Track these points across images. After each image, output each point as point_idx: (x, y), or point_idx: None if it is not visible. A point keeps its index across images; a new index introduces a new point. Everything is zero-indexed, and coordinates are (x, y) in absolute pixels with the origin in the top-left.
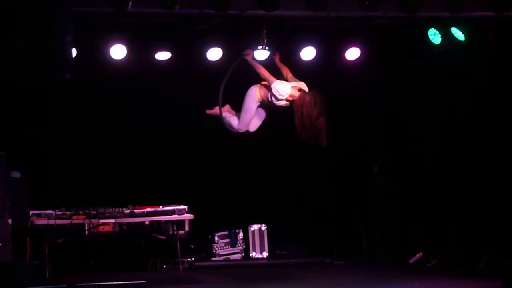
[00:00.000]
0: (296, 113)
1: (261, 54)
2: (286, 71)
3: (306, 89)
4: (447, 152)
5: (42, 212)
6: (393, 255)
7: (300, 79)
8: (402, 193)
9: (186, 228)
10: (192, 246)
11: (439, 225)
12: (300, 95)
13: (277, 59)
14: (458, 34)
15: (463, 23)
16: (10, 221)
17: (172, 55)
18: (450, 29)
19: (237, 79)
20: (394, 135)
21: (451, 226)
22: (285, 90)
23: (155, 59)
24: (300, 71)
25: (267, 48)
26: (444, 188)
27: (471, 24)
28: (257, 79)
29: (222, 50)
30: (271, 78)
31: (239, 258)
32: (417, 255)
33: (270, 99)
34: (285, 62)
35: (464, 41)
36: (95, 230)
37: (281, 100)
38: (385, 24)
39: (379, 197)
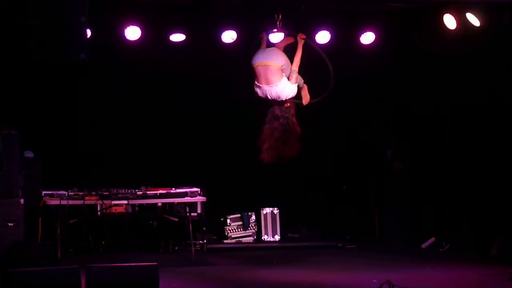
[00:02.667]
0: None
1: (276, 37)
2: (297, 59)
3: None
4: (461, 136)
5: (54, 192)
6: (405, 240)
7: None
8: (415, 177)
9: (199, 210)
10: (204, 228)
11: (452, 210)
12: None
13: (300, 41)
14: (473, 19)
15: (479, 8)
16: (22, 201)
17: (186, 37)
18: (465, 14)
19: None
20: (408, 119)
21: (464, 212)
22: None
23: (169, 40)
24: (315, 55)
25: (278, 30)
26: (458, 173)
27: (486, 9)
28: None
29: (237, 32)
30: None
31: (251, 241)
32: (430, 240)
33: None
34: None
35: (479, 26)
36: (108, 211)
37: None
38: (401, 8)
39: (393, 182)
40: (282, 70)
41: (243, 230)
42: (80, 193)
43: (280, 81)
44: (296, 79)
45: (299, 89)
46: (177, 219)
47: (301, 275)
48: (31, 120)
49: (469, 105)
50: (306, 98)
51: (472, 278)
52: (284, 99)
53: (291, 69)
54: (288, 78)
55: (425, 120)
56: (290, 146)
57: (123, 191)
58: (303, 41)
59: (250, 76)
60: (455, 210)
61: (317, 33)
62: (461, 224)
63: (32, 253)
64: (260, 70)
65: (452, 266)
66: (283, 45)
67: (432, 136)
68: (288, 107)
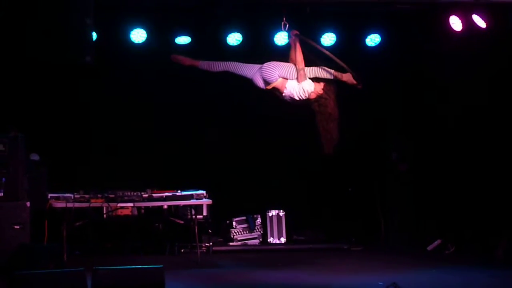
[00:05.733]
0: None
1: (282, 38)
2: (298, 57)
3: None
4: (465, 137)
5: (60, 195)
6: (411, 242)
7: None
8: (420, 179)
9: (204, 213)
10: (210, 230)
11: (458, 212)
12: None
13: (295, 39)
14: (479, 21)
15: (484, 9)
16: (28, 203)
17: (192, 40)
18: (471, 16)
19: None
20: (413, 121)
21: (470, 214)
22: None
23: (175, 43)
24: (321, 56)
25: (287, 31)
26: (463, 174)
27: (493, 11)
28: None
29: (242, 34)
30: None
31: (257, 243)
32: (436, 242)
33: None
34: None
35: (485, 28)
36: (113, 214)
37: None
38: (406, 9)
39: (398, 184)
40: (286, 78)
41: (249, 233)
42: (86, 195)
43: (286, 88)
44: (303, 76)
45: (338, 80)
46: (182, 222)
47: (306, 278)
48: (37, 123)
49: (475, 107)
50: (353, 83)
51: (478, 280)
52: (307, 95)
53: (297, 69)
54: (297, 79)
55: (430, 122)
56: (334, 136)
57: (129, 193)
58: (297, 37)
59: (251, 82)
60: (461, 211)
61: (322, 35)
62: (467, 225)
63: (38, 256)
64: (269, 91)
65: (458, 268)
66: (294, 50)
67: (437, 137)
68: (322, 96)
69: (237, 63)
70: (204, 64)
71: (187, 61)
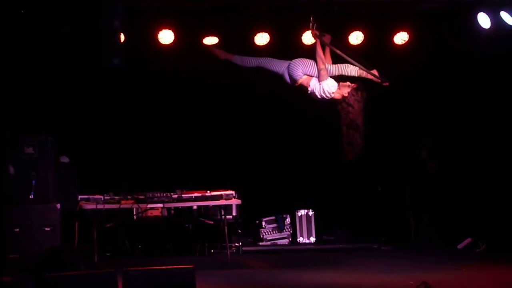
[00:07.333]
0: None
1: (310, 38)
2: (318, 58)
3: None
4: (495, 135)
5: (90, 196)
6: (441, 241)
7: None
8: (450, 177)
9: (234, 213)
10: (239, 231)
11: (488, 210)
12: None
13: (315, 39)
14: (507, 18)
15: None
16: (58, 206)
17: (219, 40)
18: (499, 13)
19: None
20: (442, 119)
21: (500, 211)
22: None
23: (203, 44)
24: (348, 55)
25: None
26: (492, 172)
27: None
28: None
29: (269, 34)
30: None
31: (286, 243)
32: (466, 240)
33: None
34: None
35: None
36: (143, 215)
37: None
38: (434, 8)
39: (427, 182)
40: (310, 75)
41: (278, 233)
42: (116, 197)
43: (310, 86)
44: (323, 76)
45: (363, 78)
46: (212, 222)
47: (336, 277)
48: (66, 126)
49: (504, 104)
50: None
51: (509, 279)
52: (329, 96)
53: (318, 69)
54: (318, 78)
55: (459, 120)
56: (354, 143)
57: (158, 194)
58: (317, 38)
59: (282, 78)
60: (491, 209)
61: (350, 33)
62: (498, 223)
63: (69, 258)
64: (298, 87)
65: (489, 266)
66: (327, 48)
67: (466, 135)
68: (346, 100)
69: (270, 58)
70: (238, 59)
71: (223, 54)
